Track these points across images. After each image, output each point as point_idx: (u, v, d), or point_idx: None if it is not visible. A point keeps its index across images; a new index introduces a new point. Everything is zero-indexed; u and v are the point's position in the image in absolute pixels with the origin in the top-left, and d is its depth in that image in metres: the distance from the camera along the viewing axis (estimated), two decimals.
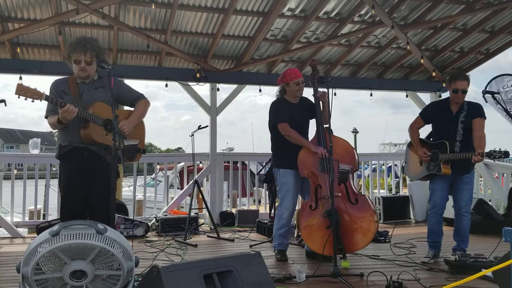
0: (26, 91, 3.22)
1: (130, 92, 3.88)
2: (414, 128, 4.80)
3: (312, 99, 4.69)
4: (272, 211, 5.86)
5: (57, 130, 3.68)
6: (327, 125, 4.49)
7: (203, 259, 2.81)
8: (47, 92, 3.48)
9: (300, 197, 4.93)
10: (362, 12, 6.37)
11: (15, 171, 6.64)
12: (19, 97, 3.22)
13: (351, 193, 4.44)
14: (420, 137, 4.80)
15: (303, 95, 4.81)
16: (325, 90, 4.58)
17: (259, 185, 8.91)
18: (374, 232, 4.37)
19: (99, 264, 2.78)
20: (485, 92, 4.79)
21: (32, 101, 3.29)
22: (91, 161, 3.55)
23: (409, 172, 4.99)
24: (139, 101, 3.85)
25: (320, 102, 4.62)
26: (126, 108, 4.00)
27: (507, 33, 7.22)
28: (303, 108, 4.75)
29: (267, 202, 7.80)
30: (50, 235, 2.71)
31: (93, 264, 2.76)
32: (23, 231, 6.43)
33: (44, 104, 3.57)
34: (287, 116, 4.60)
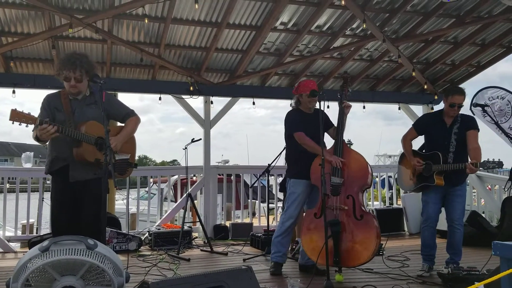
0: (20, 116, 3.23)
1: (121, 108, 3.89)
2: (407, 139, 4.82)
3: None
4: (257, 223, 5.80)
5: (47, 144, 3.67)
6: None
7: (194, 275, 2.80)
8: (39, 106, 3.50)
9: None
10: (354, 26, 6.44)
11: (8, 185, 6.59)
12: (13, 123, 3.21)
13: (357, 208, 4.41)
14: (413, 148, 4.82)
15: (319, 107, 4.78)
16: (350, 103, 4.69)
17: (254, 197, 8.89)
18: (373, 252, 4.33)
19: (89, 280, 2.76)
20: (476, 105, 4.84)
21: (26, 126, 3.27)
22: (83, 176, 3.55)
23: (402, 184, 5.00)
24: (129, 118, 3.86)
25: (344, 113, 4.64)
26: (118, 123, 4.02)
27: (497, 46, 7.31)
28: (318, 118, 4.75)
29: (262, 214, 7.79)
30: (40, 251, 2.69)
31: (83, 280, 2.74)
32: (15, 245, 6.38)
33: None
34: (302, 125, 4.64)
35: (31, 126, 3.31)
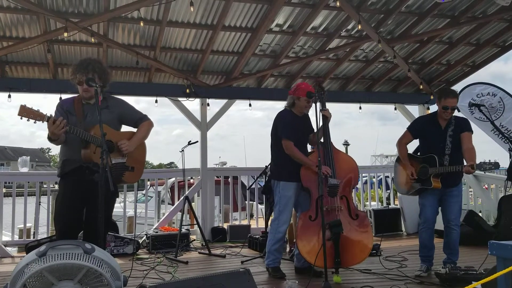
0: (28, 112, 3.25)
1: (134, 113, 3.90)
2: (402, 143, 4.82)
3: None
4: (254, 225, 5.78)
5: (52, 147, 3.72)
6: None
7: (191, 278, 2.80)
8: (52, 111, 3.58)
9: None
10: (349, 27, 6.46)
11: (4, 189, 6.56)
12: (21, 118, 3.23)
13: (352, 208, 4.52)
14: (408, 151, 4.83)
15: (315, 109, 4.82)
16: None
17: (251, 199, 8.87)
18: (371, 249, 4.50)
19: (87, 284, 2.75)
20: (471, 104, 4.85)
21: (35, 122, 3.32)
22: (91, 180, 3.55)
23: (399, 187, 5.01)
24: (142, 122, 3.86)
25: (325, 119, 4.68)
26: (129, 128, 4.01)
27: (492, 46, 7.34)
28: (306, 122, 4.81)
29: (260, 215, 7.79)
30: (37, 256, 2.69)
31: (81, 284, 2.73)
32: (12, 250, 6.35)
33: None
34: (294, 133, 4.59)
35: (33, 129, 3.34)
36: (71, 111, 3.64)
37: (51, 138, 3.47)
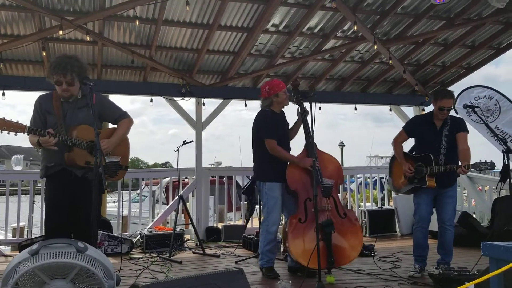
0: (8, 125, 3.23)
1: (114, 109, 3.87)
2: (397, 142, 4.84)
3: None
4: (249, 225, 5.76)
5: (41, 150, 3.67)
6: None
7: (185, 277, 2.79)
8: (31, 109, 3.51)
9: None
10: (345, 28, 6.47)
11: None
12: (1, 132, 3.22)
13: (339, 207, 4.55)
14: (404, 150, 4.85)
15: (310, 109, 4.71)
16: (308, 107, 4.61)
17: (245, 199, 8.84)
18: (361, 246, 4.54)
19: (80, 283, 2.73)
20: (466, 106, 4.87)
21: (15, 135, 3.30)
22: (77, 179, 3.54)
23: (394, 186, 5.02)
24: (122, 119, 3.84)
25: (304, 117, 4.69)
26: (110, 125, 4.00)
27: (487, 48, 7.37)
28: (285, 118, 4.83)
29: (254, 216, 7.76)
30: (30, 254, 2.67)
31: (74, 283, 2.72)
32: (5, 249, 6.32)
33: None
34: (275, 131, 4.58)
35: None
36: (50, 110, 3.56)
37: (40, 145, 3.43)
